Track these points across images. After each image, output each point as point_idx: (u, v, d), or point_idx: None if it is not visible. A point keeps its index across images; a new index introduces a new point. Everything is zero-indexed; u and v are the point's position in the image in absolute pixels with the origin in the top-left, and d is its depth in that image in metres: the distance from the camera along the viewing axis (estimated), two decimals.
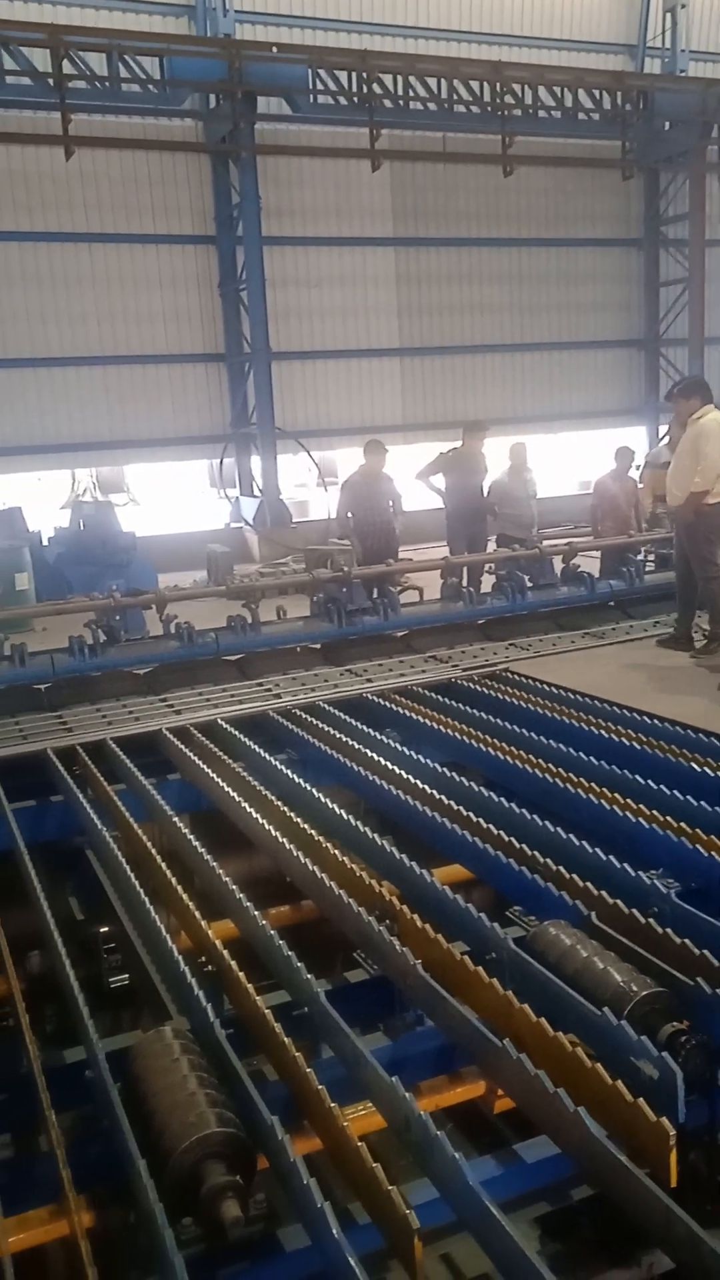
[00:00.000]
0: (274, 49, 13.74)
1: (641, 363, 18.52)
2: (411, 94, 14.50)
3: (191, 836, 4.09)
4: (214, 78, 13.44)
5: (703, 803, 4.11)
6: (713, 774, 4.48)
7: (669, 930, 3.10)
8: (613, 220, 18.05)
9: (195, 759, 5.02)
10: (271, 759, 5.00)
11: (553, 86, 15.29)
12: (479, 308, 17.18)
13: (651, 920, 3.18)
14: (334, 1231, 2.05)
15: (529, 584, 8.45)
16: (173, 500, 18.62)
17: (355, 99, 14.13)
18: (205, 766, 4.89)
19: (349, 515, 10.07)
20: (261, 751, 5.12)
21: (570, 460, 18.62)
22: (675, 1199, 2.10)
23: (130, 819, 4.37)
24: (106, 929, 3.86)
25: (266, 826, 4.10)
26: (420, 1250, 2.02)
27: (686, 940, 3.03)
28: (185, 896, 3.57)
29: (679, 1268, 2.11)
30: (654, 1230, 2.11)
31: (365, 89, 14.08)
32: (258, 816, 4.21)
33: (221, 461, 15.84)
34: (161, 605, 7.62)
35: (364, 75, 14.04)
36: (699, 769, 4.56)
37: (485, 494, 10.45)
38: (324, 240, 15.77)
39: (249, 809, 4.30)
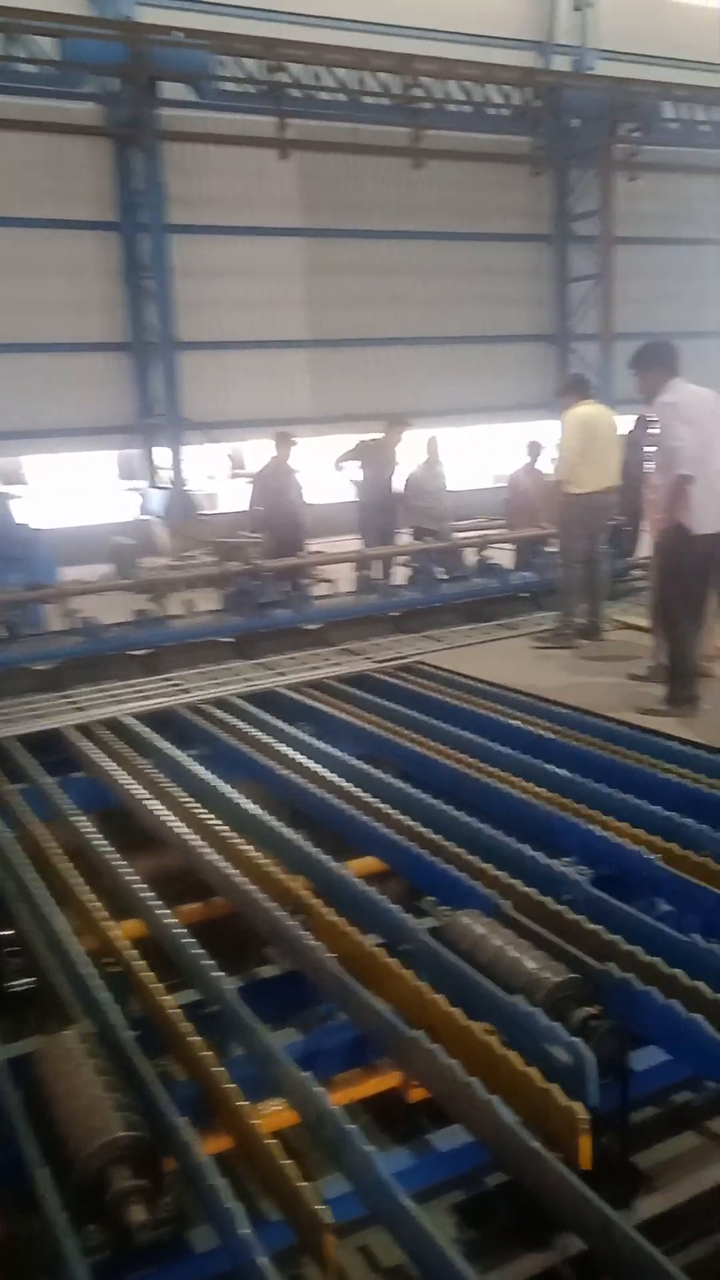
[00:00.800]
0: (178, 34, 13.51)
1: (553, 357, 18.78)
2: (320, 84, 14.43)
3: (97, 835, 3.99)
4: (115, 61, 13.15)
5: (613, 790, 4.16)
6: (623, 762, 4.54)
7: (581, 917, 3.13)
8: (523, 216, 18.25)
9: (100, 756, 4.90)
10: (180, 755, 4.91)
11: (462, 81, 15.38)
12: (390, 300, 17.20)
13: (563, 908, 3.20)
14: (242, 1230, 2.00)
15: (442, 576, 8.48)
16: (78, 492, 18.22)
17: (263, 87, 14.00)
18: (111, 764, 4.78)
19: (259, 508, 10.00)
20: (169, 747, 5.02)
21: (484, 454, 18.79)
22: (588, 1182, 2.11)
23: (32, 818, 4.25)
24: (8, 931, 3.74)
25: (176, 823, 4.02)
26: (332, 1245, 1.99)
27: (598, 926, 3.06)
28: (91, 896, 3.48)
29: (591, 1250, 2.11)
30: (566, 1214, 2.11)
31: (273, 78, 13.96)
32: (166, 813, 4.13)
33: (128, 452, 15.58)
34: (63, 599, 7.44)
35: (271, 64, 13.91)
36: (609, 757, 4.62)
37: (398, 487, 10.47)
38: (232, 230, 15.60)
39: (157, 806, 4.21)
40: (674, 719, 5.24)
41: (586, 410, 7.14)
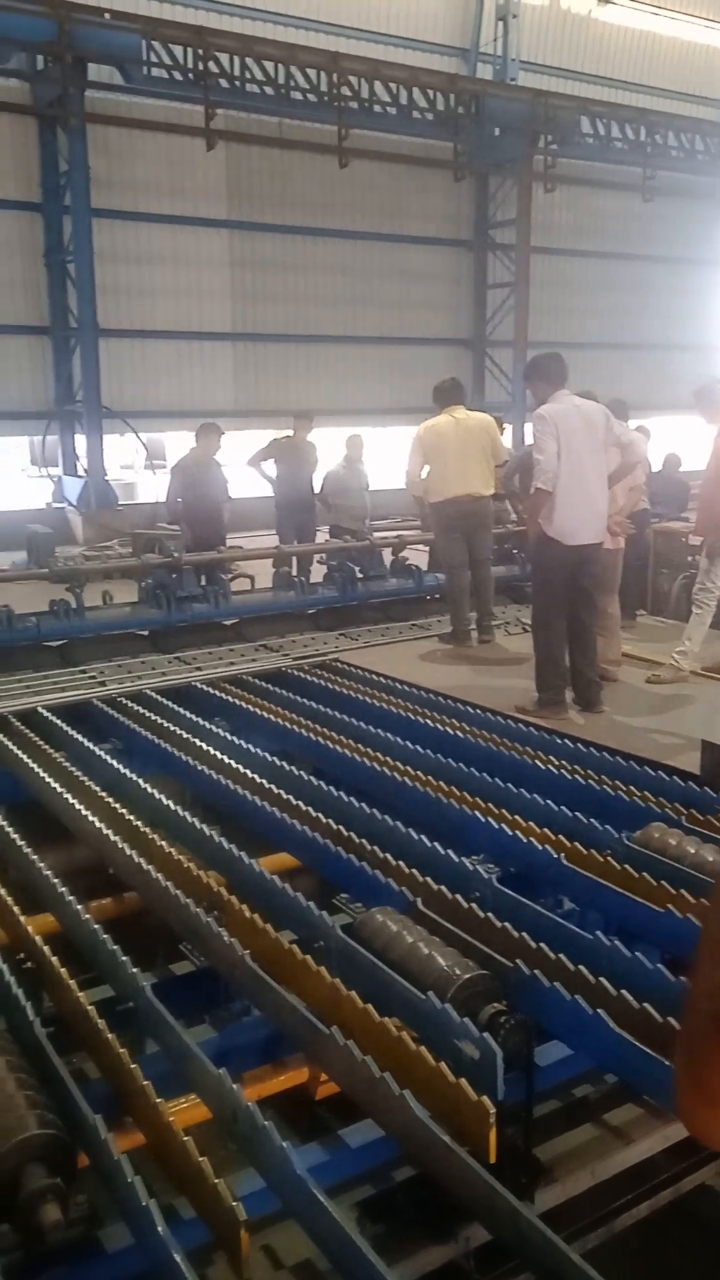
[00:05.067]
0: (106, 14, 13.27)
1: (469, 362, 18.99)
2: (248, 76, 14.33)
3: (7, 827, 3.94)
4: (41, 38, 12.85)
5: (522, 790, 4.26)
6: (531, 762, 4.66)
7: (490, 914, 3.21)
8: (444, 220, 18.40)
9: (13, 748, 4.83)
10: (95, 748, 4.87)
11: (388, 82, 15.43)
12: (313, 297, 17.18)
13: (474, 905, 3.27)
14: (158, 1229, 2.02)
15: (359, 575, 8.54)
16: None
17: (190, 75, 13.86)
18: (24, 755, 4.72)
19: (178, 500, 9.90)
20: (85, 740, 4.97)
21: (401, 453, 18.88)
22: (494, 1174, 2.18)
23: None
24: None
25: (89, 817, 4.00)
26: (247, 1242, 2.02)
27: (506, 924, 3.14)
28: (1, 890, 3.44)
29: (498, 1240, 2.18)
30: (475, 1206, 2.18)
31: (201, 66, 13.82)
32: (79, 807, 4.10)
33: (44, 439, 15.26)
34: None
35: (200, 52, 13.78)
36: (519, 757, 4.73)
37: (317, 485, 10.49)
38: (156, 217, 15.38)
39: (70, 799, 4.17)
40: (550, 719, 5.46)
41: (435, 421, 7.36)
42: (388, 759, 4.69)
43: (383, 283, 17.81)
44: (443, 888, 3.38)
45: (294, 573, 8.92)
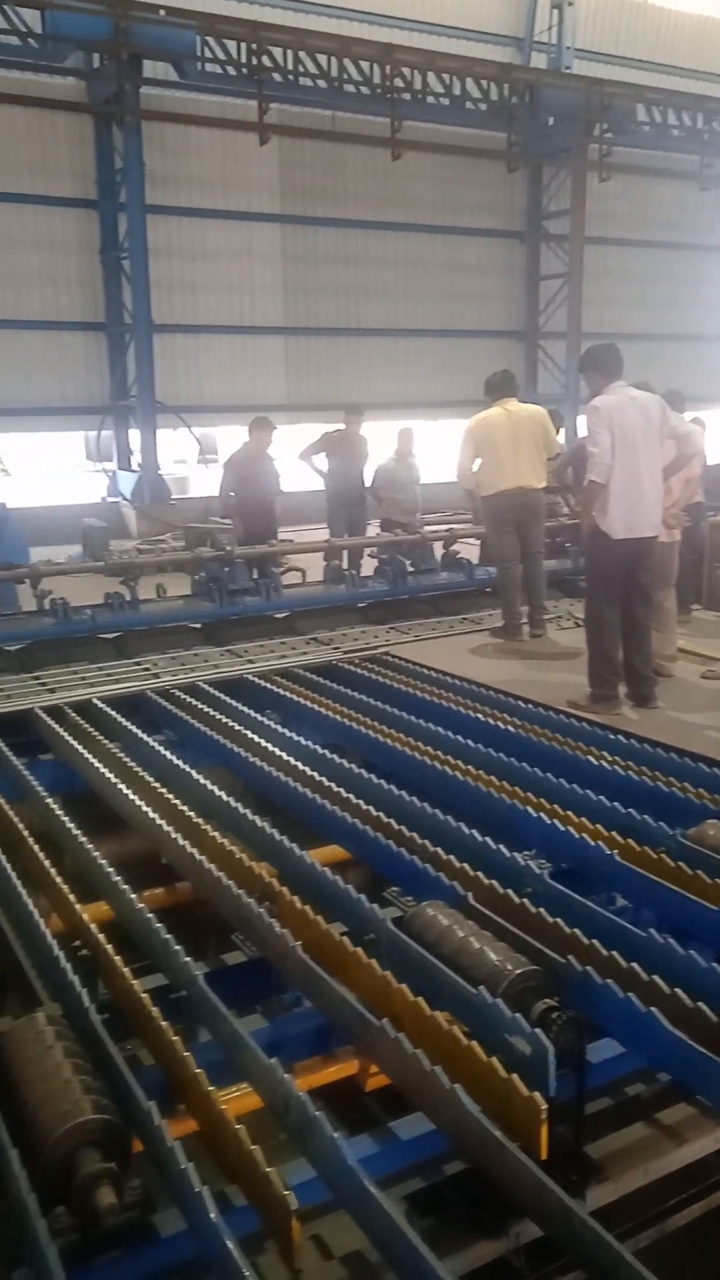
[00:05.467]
0: (162, 11, 13.37)
1: (521, 354, 18.86)
2: (302, 70, 14.35)
3: (64, 817, 3.99)
4: (99, 37, 12.98)
5: (574, 785, 4.23)
6: (584, 757, 4.62)
7: (542, 910, 3.19)
8: (497, 212, 18.28)
9: (69, 739, 4.90)
10: (149, 739, 4.92)
11: (442, 74, 15.36)
12: (365, 291, 17.18)
13: (525, 900, 3.26)
14: (211, 1215, 2.04)
15: (410, 569, 8.53)
16: (47, 472, 18.05)
17: (245, 70, 13.90)
18: (80, 747, 4.78)
19: (231, 494, 9.96)
20: (139, 732, 5.03)
21: (452, 447, 18.80)
22: (545, 1171, 2.17)
23: (0, 799, 4.24)
24: None
25: (143, 807, 4.04)
26: (298, 1230, 2.03)
27: (558, 919, 3.12)
28: (58, 879, 3.49)
29: (549, 1236, 2.17)
30: (526, 1202, 2.17)
31: (255, 61, 13.86)
32: (134, 797, 4.14)
33: (99, 434, 15.44)
34: (36, 580, 7.40)
35: (254, 47, 13.82)
36: (571, 753, 4.70)
37: (369, 478, 10.49)
38: (210, 212, 15.49)
39: (125, 790, 4.22)
40: (603, 715, 5.42)
41: (486, 414, 7.32)
42: (438, 753, 4.68)
43: (434, 275, 17.75)
44: (494, 882, 3.36)
45: (345, 566, 8.93)
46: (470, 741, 4.79)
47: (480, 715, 5.24)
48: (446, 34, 16.97)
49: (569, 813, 3.96)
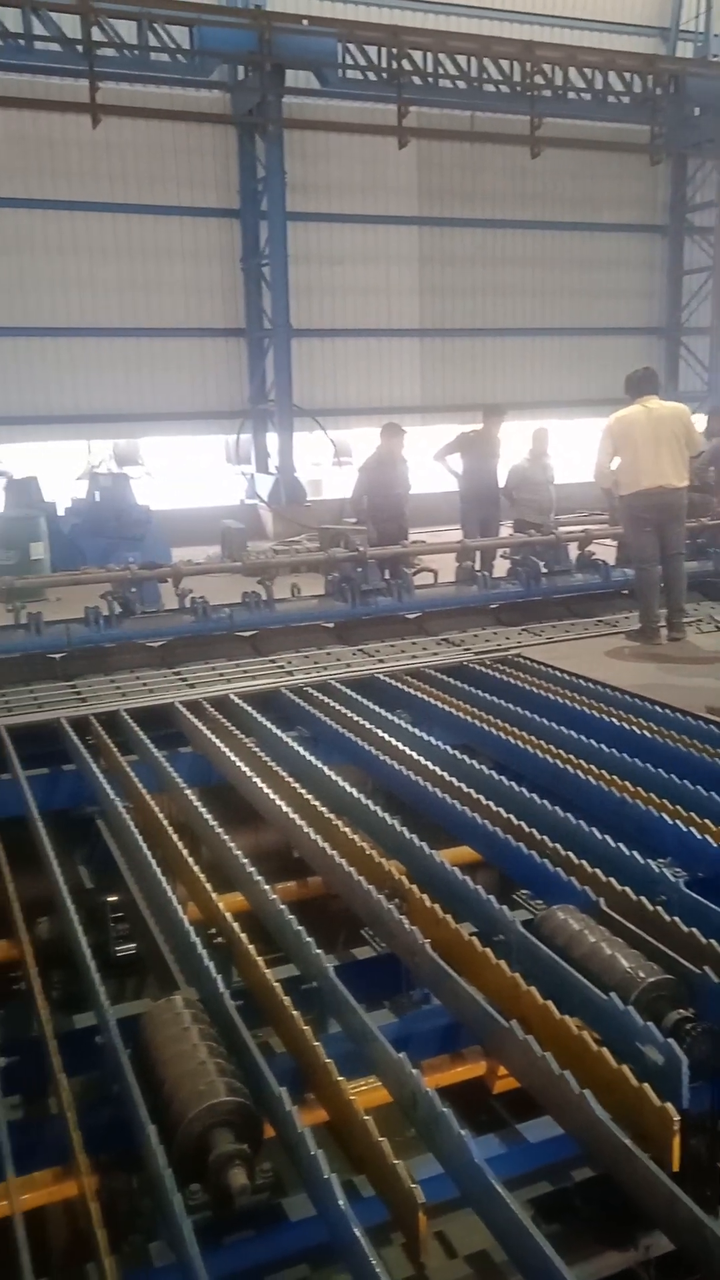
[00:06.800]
0: (304, 22, 13.61)
1: (661, 351, 18.41)
2: (441, 71, 14.37)
3: (203, 809, 4.11)
4: (243, 49, 13.32)
5: (712, 793, 4.11)
6: None
7: (677, 919, 3.11)
8: (637, 206, 17.91)
9: (207, 733, 5.03)
10: (282, 735, 5.02)
11: (584, 68, 15.13)
12: (500, 290, 17.07)
13: (659, 908, 3.18)
14: (340, 1202, 2.07)
15: (543, 570, 8.44)
16: (187, 475, 18.59)
17: (384, 75, 14.01)
18: (217, 740, 4.90)
19: (363, 498, 10.06)
20: (273, 727, 5.13)
21: (589, 447, 18.49)
22: (678, 1184, 2.12)
23: (142, 790, 4.39)
24: (115, 898, 3.90)
25: (277, 801, 4.12)
26: (425, 1224, 2.04)
27: (694, 929, 3.04)
28: (195, 868, 3.59)
29: (681, 1250, 2.13)
30: (657, 1214, 2.13)
31: (395, 65, 13.95)
32: (268, 791, 4.23)
33: (238, 437, 15.80)
34: (177, 579, 7.63)
35: (394, 51, 13.91)
36: (709, 759, 4.57)
37: (502, 479, 10.43)
38: (348, 217, 15.68)
39: (259, 784, 4.31)
40: None
41: (626, 412, 7.20)
42: (571, 756, 4.62)
43: (572, 272, 17.51)
44: (626, 889, 3.30)
45: (477, 567, 8.90)
46: (604, 745, 4.71)
47: (614, 719, 5.15)
48: (588, 28, 16.72)
49: (706, 820, 3.85)
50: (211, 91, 14.54)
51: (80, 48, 12.30)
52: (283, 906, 3.27)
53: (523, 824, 3.84)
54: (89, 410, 14.76)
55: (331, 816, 3.98)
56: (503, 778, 4.39)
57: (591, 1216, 2.81)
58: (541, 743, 4.82)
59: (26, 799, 4.37)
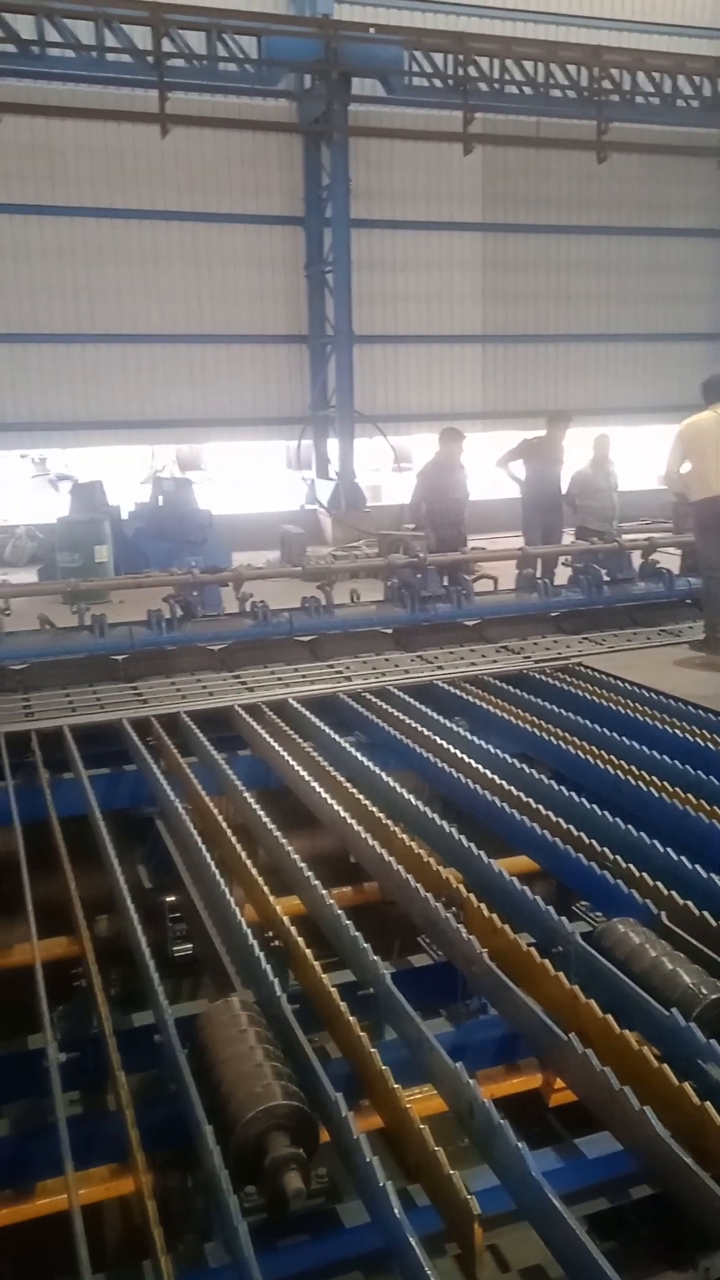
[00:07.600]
0: (371, 30, 13.66)
1: None
2: (507, 77, 14.33)
3: (261, 812, 4.13)
4: (310, 58, 13.41)
5: None
6: None
7: None
8: (706, 210, 17.67)
9: (266, 736, 5.06)
10: (340, 740, 5.02)
11: (652, 72, 14.99)
12: (565, 296, 16.96)
13: None
14: (395, 1210, 2.06)
15: (606, 577, 8.34)
16: (248, 480, 18.74)
17: (450, 82, 14.00)
18: (276, 744, 4.92)
19: (421, 504, 10.05)
20: (331, 732, 5.13)
21: (654, 454, 18.28)
22: None
23: (201, 791, 4.42)
24: (173, 898, 3.93)
25: (334, 806, 4.12)
26: (480, 1236, 2.03)
27: None
28: (253, 871, 3.61)
29: None
30: (718, 1234, 2.08)
31: (461, 72, 13.94)
32: (326, 796, 4.23)
33: (299, 443, 15.89)
34: (238, 583, 7.68)
35: (460, 58, 13.91)
36: None
37: (564, 485, 10.35)
38: (412, 224, 15.70)
39: (317, 788, 4.32)
40: None
41: (698, 417, 7.13)
42: (632, 767, 4.55)
43: (638, 278, 17.34)
44: (689, 903, 3.24)
45: (538, 574, 8.83)
46: (666, 757, 4.64)
47: (677, 730, 5.07)
48: (657, 31, 16.56)
49: None
50: (278, 100, 14.66)
51: (151, 59, 12.47)
52: (339, 911, 3.27)
53: (582, 835, 3.80)
54: (154, 416, 14.95)
55: (389, 823, 3.98)
56: (562, 788, 4.35)
57: (649, 1235, 2.75)
58: (602, 753, 4.76)
59: (89, 798, 4.43)
